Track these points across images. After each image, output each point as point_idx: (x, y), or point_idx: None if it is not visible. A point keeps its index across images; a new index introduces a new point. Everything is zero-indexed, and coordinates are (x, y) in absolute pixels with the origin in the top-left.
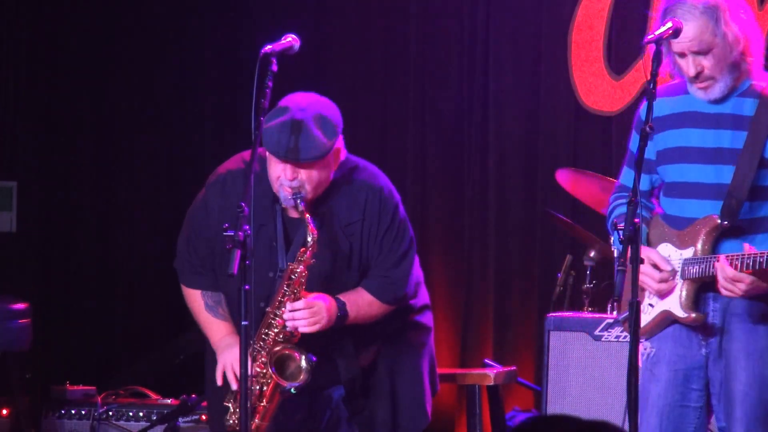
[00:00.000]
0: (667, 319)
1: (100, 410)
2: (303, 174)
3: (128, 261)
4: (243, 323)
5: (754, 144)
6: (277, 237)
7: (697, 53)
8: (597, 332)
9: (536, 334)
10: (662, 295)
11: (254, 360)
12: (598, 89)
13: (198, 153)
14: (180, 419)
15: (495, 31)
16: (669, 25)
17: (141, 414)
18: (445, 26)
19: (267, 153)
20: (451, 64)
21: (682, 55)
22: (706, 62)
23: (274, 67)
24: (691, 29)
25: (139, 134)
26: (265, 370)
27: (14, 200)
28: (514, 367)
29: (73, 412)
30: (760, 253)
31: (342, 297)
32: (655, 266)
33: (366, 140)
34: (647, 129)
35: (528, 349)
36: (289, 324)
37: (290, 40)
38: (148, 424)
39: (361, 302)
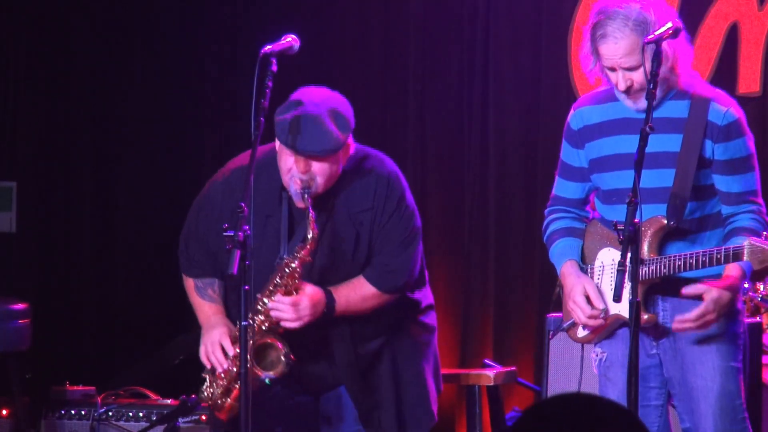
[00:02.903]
0: (616, 323)
1: (100, 411)
2: (315, 167)
3: (128, 261)
4: (243, 323)
5: (692, 145)
6: (282, 226)
7: (628, 69)
8: None
9: (536, 335)
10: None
11: (235, 342)
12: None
13: (198, 153)
14: (180, 419)
15: (495, 30)
16: (669, 25)
17: (141, 414)
18: (445, 25)
19: (278, 144)
20: (451, 63)
21: (612, 69)
22: (636, 77)
23: (274, 67)
24: (622, 47)
25: (138, 134)
26: None
27: (14, 200)
28: (513, 368)
29: (72, 412)
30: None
31: (335, 291)
32: (588, 300)
33: (366, 140)
34: (647, 129)
35: (528, 350)
36: (272, 315)
37: (290, 40)
38: (148, 424)
39: (354, 296)
